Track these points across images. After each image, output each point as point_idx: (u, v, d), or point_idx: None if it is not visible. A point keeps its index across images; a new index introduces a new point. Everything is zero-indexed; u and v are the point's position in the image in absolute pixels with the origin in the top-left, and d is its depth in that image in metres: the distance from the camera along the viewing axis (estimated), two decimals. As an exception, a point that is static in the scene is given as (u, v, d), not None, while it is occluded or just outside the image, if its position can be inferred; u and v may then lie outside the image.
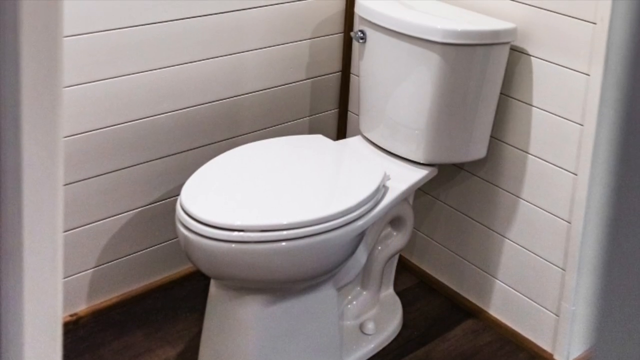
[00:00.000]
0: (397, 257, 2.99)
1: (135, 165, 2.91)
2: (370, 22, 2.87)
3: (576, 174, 2.66)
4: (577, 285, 2.72)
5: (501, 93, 2.81)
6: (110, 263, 2.94)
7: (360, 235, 2.58)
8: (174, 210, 2.49)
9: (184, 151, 3.03)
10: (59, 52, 0.82)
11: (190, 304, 3.05)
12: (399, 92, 2.82)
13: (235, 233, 2.34)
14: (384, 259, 2.88)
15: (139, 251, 3.01)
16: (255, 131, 3.23)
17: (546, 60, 2.71)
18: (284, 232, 2.38)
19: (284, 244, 2.38)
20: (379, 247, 2.87)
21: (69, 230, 2.78)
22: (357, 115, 3.21)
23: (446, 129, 2.78)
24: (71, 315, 2.87)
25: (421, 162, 2.84)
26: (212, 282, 2.60)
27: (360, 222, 2.52)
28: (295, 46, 3.26)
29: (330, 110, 3.49)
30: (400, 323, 3.00)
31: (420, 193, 3.18)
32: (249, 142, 2.90)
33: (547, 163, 2.76)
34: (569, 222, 2.72)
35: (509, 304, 2.98)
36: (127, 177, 2.90)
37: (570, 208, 2.70)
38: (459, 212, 3.10)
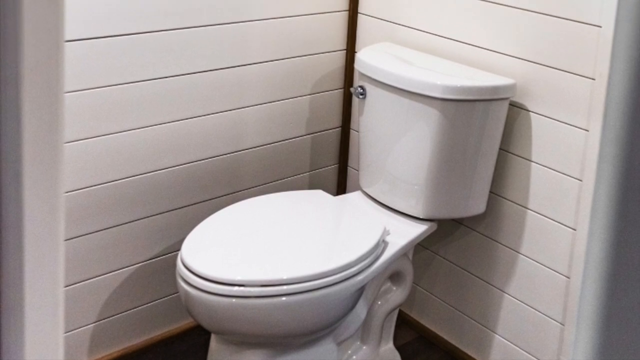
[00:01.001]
0: (396, 311, 2.98)
1: (136, 220, 2.91)
2: (370, 78, 2.89)
3: (575, 229, 2.67)
4: (576, 340, 2.71)
5: (500, 148, 2.83)
6: (111, 318, 2.94)
7: (360, 290, 2.58)
8: (174, 265, 2.50)
9: (185, 206, 3.03)
10: (60, 108, 0.83)
11: (190, 358, 3.05)
12: (398, 148, 2.83)
13: (236, 288, 2.35)
14: (383, 313, 2.88)
15: (139, 306, 3.01)
16: (256, 186, 3.24)
17: (545, 116, 2.72)
18: (284, 287, 2.38)
19: (284, 298, 2.38)
20: (379, 302, 2.87)
21: (69, 285, 2.78)
22: (357, 170, 3.22)
23: (446, 184, 2.78)
24: (70, 371, 2.86)
25: (421, 217, 2.85)
26: (213, 336, 2.60)
27: (360, 277, 2.52)
28: (296, 102, 3.28)
29: (330, 165, 3.50)
30: (400, 378, 2.99)
31: (419, 248, 3.19)
32: (250, 198, 2.92)
33: (546, 218, 2.77)
34: (568, 277, 2.72)
35: (508, 358, 2.97)
36: (128, 232, 2.90)
37: (569, 263, 2.71)
38: (459, 267, 3.10)
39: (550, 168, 2.73)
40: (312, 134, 3.38)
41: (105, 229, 2.84)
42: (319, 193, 2.98)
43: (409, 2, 3.11)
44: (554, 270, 2.76)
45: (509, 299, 2.93)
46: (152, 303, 3.04)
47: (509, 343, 2.95)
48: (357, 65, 2.98)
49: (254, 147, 3.19)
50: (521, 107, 2.80)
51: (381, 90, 2.84)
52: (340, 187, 3.54)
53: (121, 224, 2.88)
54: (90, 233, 2.80)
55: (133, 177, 2.86)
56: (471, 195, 2.82)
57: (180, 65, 2.88)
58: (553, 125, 2.70)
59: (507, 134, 2.83)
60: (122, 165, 2.83)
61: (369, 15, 3.30)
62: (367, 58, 2.93)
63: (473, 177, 2.79)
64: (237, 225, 2.70)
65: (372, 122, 2.92)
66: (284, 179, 3.33)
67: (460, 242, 3.08)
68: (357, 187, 3.10)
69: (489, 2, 2.82)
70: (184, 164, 2.99)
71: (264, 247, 2.59)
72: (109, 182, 2.81)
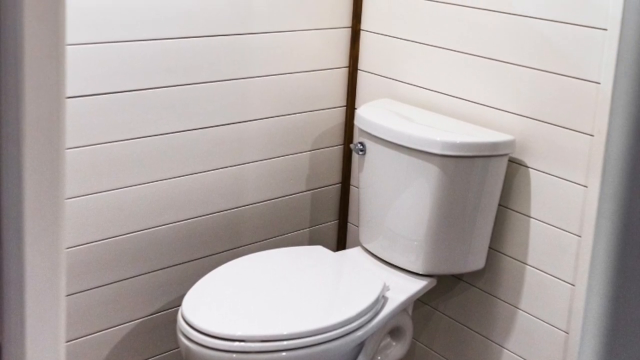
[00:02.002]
0: (397, 368, 2.97)
1: (137, 276, 2.91)
2: (369, 134, 2.90)
3: (574, 285, 2.67)
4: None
5: (499, 204, 2.83)
6: (109, 374, 2.93)
7: (360, 346, 2.57)
8: (175, 320, 2.49)
9: (186, 262, 3.04)
10: (62, 164, 0.83)
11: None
12: (398, 204, 2.84)
13: (236, 343, 2.34)
14: (384, 370, 2.87)
15: (140, 362, 3.01)
16: (256, 242, 3.24)
17: (544, 172, 2.73)
18: (285, 342, 2.38)
19: (284, 354, 2.38)
20: (379, 357, 2.85)
21: (71, 341, 2.77)
22: (357, 226, 3.22)
23: (445, 240, 2.79)
24: None
25: (420, 272, 2.85)
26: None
27: (359, 333, 2.52)
28: (296, 158, 3.29)
29: (330, 221, 3.51)
30: None
31: (419, 303, 3.18)
32: (250, 253, 2.92)
33: (545, 274, 2.77)
34: (567, 333, 2.71)
35: (510, 416, 2.95)
36: (129, 288, 2.90)
37: (568, 319, 2.70)
38: (458, 322, 3.10)
39: (549, 224, 2.74)
40: (312, 190, 3.39)
41: (106, 285, 2.84)
42: (319, 249, 2.98)
43: (408, 59, 3.14)
44: (553, 326, 2.76)
45: (508, 354, 2.92)
46: (153, 358, 3.03)
47: (510, 399, 2.94)
48: (357, 122, 3.00)
49: (254, 203, 3.20)
50: (520, 163, 2.81)
51: (381, 146, 2.86)
52: (340, 242, 3.55)
53: (122, 280, 2.88)
54: (92, 289, 2.80)
55: (134, 233, 2.87)
56: (470, 250, 2.82)
57: (181, 122, 2.89)
58: (552, 182, 2.71)
59: (506, 190, 2.84)
60: (123, 221, 2.84)
61: (368, 72, 3.32)
62: (366, 114, 2.95)
63: (472, 233, 2.79)
64: (237, 281, 2.70)
65: (372, 178, 2.93)
66: (284, 234, 3.34)
67: (460, 298, 3.08)
68: (357, 243, 3.11)
69: (488, 58, 2.85)
70: (185, 219, 3.00)
71: (264, 302, 2.59)
72: (110, 237, 2.82)
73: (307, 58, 3.22)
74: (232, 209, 3.13)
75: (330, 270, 2.92)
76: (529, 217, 2.80)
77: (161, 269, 2.97)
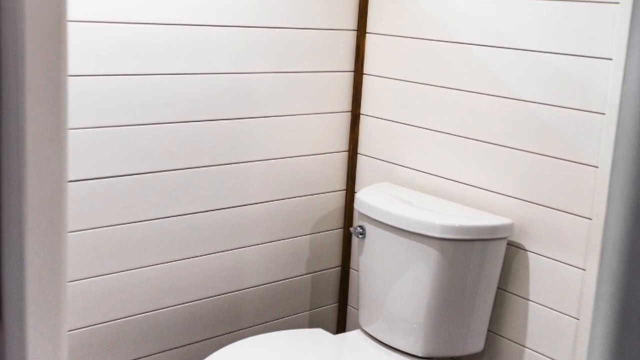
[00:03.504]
0: None
1: (138, 358, 2.90)
2: (369, 217, 2.91)
3: (575, 368, 2.66)
4: None
5: (498, 287, 2.84)
6: None
7: None
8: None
9: (186, 345, 3.03)
10: (63, 248, 0.84)
11: None
12: (397, 287, 2.84)
13: None
14: None
15: None
16: (256, 325, 3.23)
17: (543, 255, 2.74)
18: None
19: None
20: None
21: None
22: (357, 309, 3.22)
23: (444, 323, 2.78)
24: None
25: (420, 355, 2.84)
26: None
27: (360, 417, 2.51)
28: (296, 241, 3.30)
29: (330, 304, 3.50)
30: None
31: (420, 387, 3.16)
32: (250, 336, 2.91)
33: (544, 357, 2.75)
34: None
35: None
36: (128, 371, 2.90)
37: (571, 402, 2.69)
38: (460, 406, 3.08)
39: (547, 307, 2.74)
40: (312, 273, 3.39)
41: (105, 368, 2.83)
42: (319, 332, 2.98)
43: (407, 143, 3.16)
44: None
45: None
46: None
47: None
48: (357, 205, 3.01)
49: (255, 286, 3.20)
50: (519, 247, 2.82)
51: (380, 229, 2.87)
52: (340, 325, 3.54)
53: (122, 363, 2.87)
54: (90, 372, 2.80)
55: (136, 316, 2.87)
56: (469, 333, 2.82)
57: (182, 205, 2.91)
58: (550, 265, 2.72)
59: (505, 273, 2.85)
60: (124, 304, 2.84)
61: (368, 156, 3.35)
62: (366, 198, 2.97)
63: (471, 316, 2.79)
64: (237, 364, 2.69)
65: (372, 262, 2.94)
66: (284, 317, 3.33)
67: (461, 382, 3.07)
68: (357, 326, 3.10)
69: (487, 142, 2.87)
70: (186, 302, 3.00)
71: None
72: (112, 320, 2.81)
73: (307, 142, 3.25)
74: (233, 292, 3.13)
75: (330, 353, 2.91)
76: (528, 300, 2.80)
77: (162, 352, 2.97)
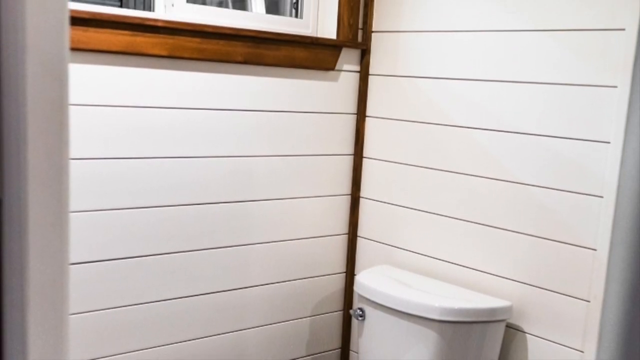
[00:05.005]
0: None
1: None
2: (369, 300, 2.92)
3: None
4: None
5: (498, 370, 2.83)
6: None
7: None
8: None
9: None
10: (65, 330, 0.85)
11: None
12: (397, 369, 2.84)
13: None
14: None
15: None
16: (256, 408, 3.22)
17: (541, 337, 2.74)
18: None
19: None
20: None
21: None
22: (357, 392, 3.20)
23: (444, 406, 2.77)
24: None
25: None
26: None
27: None
28: (296, 324, 3.30)
29: (330, 386, 3.49)
30: None
31: None
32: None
33: None
34: None
35: None
36: None
37: None
38: None
39: (546, 389, 2.73)
40: (312, 355, 3.38)
41: None
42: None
43: (407, 225, 3.18)
44: None
45: None
46: None
47: None
48: (357, 288, 3.01)
49: (255, 369, 3.20)
50: (517, 329, 2.81)
51: (380, 312, 2.87)
52: (341, 409, 3.52)
53: None
54: None
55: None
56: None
57: (182, 288, 2.92)
58: (549, 346, 2.71)
59: (504, 354, 2.84)
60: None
61: (368, 239, 3.36)
62: (366, 281, 2.97)
63: (471, 399, 2.78)
64: None
65: (371, 344, 2.93)
66: (284, 400, 3.32)
67: None
68: (357, 409, 3.09)
69: (486, 225, 2.88)
70: (185, 385, 2.99)
71: None
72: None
73: (308, 225, 3.27)
74: (232, 374, 3.13)
75: None
76: (527, 382, 2.79)
77: None
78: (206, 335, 3.02)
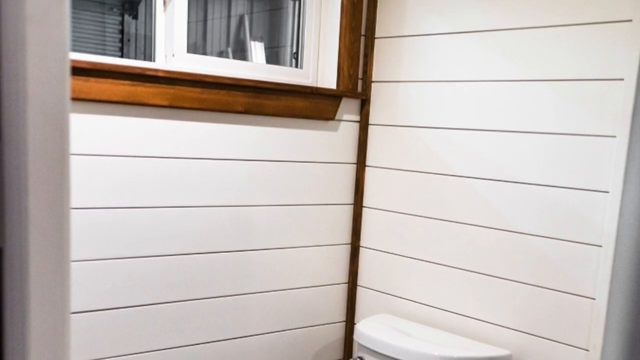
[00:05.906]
0: None
1: None
2: (368, 349, 2.91)
3: None
4: None
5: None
6: None
7: None
8: None
9: None
10: None
11: None
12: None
13: None
14: None
15: None
16: None
17: (541, 387, 2.74)
18: None
19: None
20: None
21: None
22: None
23: None
24: None
25: None
26: None
27: None
28: (296, 373, 3.29)
29: None
30: None
31: None
32: None
33: None
34: None
35: None
36: None
37: None
38: None
39: None
40: (312, 405, 3.37)
41: None
42: None
43: (406, 275, 3.18)
44: None
45: None
46: None
47: None
48: (357, 337, 3.01)
49: (254, 418, 3.18)
50: (518, 378, 2.81)
51: (380, 361, 2.87)
52: None
53: None
54: None
55: None
56: None
57: (183, 337, 2.91)
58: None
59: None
60: None
61: (367, 288, 3.36)
62: (366, 329, 2.97)
63: None
64: None
65: (371, 393, 2.93)
66: None
67: None
68: None
69: (485, 274, 2.88)
70: None
71: None
72: None
73: (308, 274, 3.27)
74: None
75: None
76: None
77: None
78: (206, 385, 3.02)
